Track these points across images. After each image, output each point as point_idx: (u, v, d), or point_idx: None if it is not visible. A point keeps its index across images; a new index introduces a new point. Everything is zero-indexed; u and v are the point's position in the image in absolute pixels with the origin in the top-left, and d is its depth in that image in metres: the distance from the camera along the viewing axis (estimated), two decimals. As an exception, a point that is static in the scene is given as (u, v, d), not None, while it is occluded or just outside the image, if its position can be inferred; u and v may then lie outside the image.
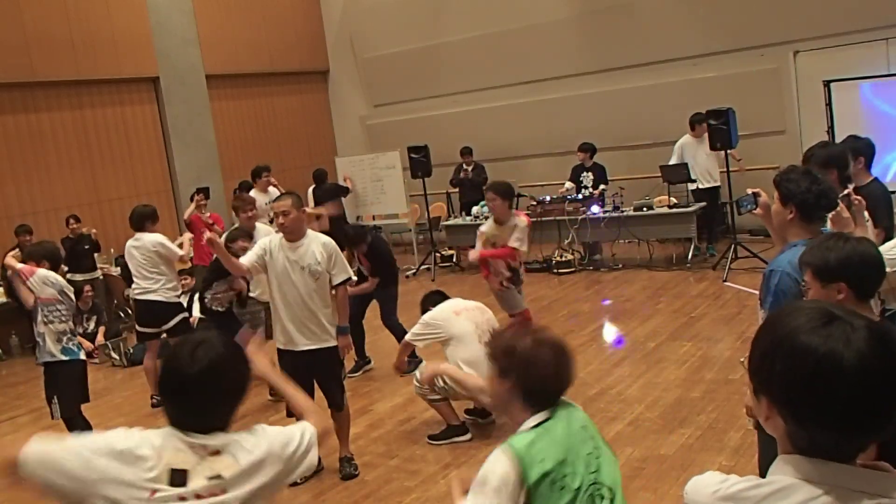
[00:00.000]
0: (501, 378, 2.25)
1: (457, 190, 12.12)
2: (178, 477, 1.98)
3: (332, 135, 15.08)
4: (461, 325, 5.36)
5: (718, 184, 9.90)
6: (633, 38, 11.56)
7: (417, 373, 5.55)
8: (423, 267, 11.37)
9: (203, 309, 6.66)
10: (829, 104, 9.83)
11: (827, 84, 9.85)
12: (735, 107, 9.33)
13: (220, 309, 6.48)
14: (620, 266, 10.27)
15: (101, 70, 11.23)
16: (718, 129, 9.19)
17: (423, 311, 5.69)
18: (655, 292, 8.79)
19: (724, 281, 8.74)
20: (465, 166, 11.85)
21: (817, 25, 10.29)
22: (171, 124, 12.03)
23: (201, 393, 2.01)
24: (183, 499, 1.97)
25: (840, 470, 1.24)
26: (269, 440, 2.13)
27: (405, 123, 13.44)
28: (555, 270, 10.25)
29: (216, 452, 2.02)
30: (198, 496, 1.98)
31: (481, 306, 5.68)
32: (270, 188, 10.59)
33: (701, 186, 9.89)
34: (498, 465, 2.11)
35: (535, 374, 2.21)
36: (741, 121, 9.38)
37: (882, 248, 3.37)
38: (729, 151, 9.28)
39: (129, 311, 10.26)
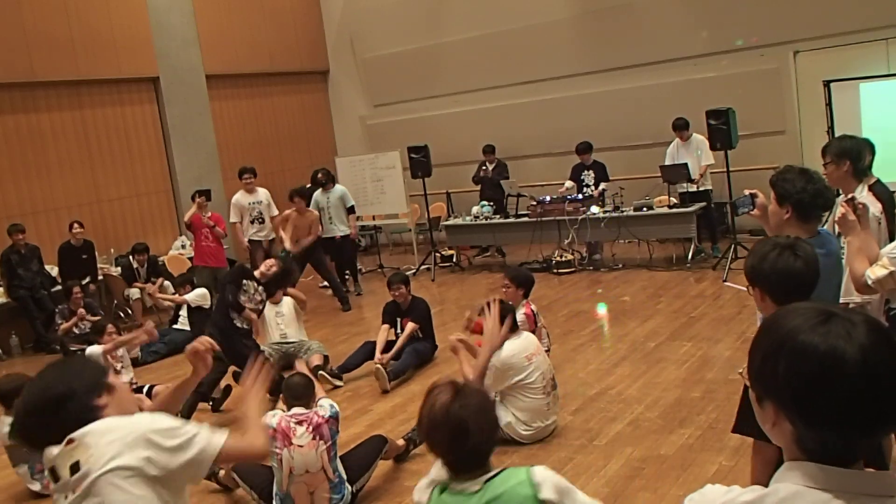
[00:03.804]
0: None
1: (478, 188, 12.01)
2: (52, 474, 2.00)
3: (332, 135, 15.08)
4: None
5: (710, 187, 9.94)
6: (633, 38, 11.56)
7: None
8: (423, 267, 11.37)
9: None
10: (829, 104, 9.83)
11: (827, 84, 9.85)
12: (735, 107, 9.34)
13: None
14: (620, 266, 10.26)
15: (101, 70, 11.23)
16: (718, 129, 9.20)
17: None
18: (655, 292, 8.79)
19: (724, 281, 8.75)
20: (486, 164, 11.85)
21: (817, 25, 10.29)
22: (171, 124, 12.03)
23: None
24: (65, 495, 1.98)
25: (846, 474, 1.24)
26: (136, 424, 2.04)
27: (405, 123, 13.43)
28: (555, 270, 10.24)
29: (70, 441, 1.98)
30: (73, 489, 1.97)
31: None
32: (259, 189, 10.59)
33: (692, 189, 9.90)
34: None
35: (438, 451, 2.21)
36: (741, 121, 9.39)
37: (884, 250, 3.38)
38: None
39: (129, 312, 10.28)
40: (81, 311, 8.90)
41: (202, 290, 9.00)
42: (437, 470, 2.24)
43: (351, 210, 10.58)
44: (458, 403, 2.12)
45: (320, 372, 6.81)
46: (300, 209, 9.90)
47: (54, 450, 1.99)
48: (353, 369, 7.02)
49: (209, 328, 6.43)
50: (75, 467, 1.95)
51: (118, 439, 1.97)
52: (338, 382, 6.88)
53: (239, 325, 6.44)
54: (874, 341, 1.20)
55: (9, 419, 5.15)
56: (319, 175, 10.76)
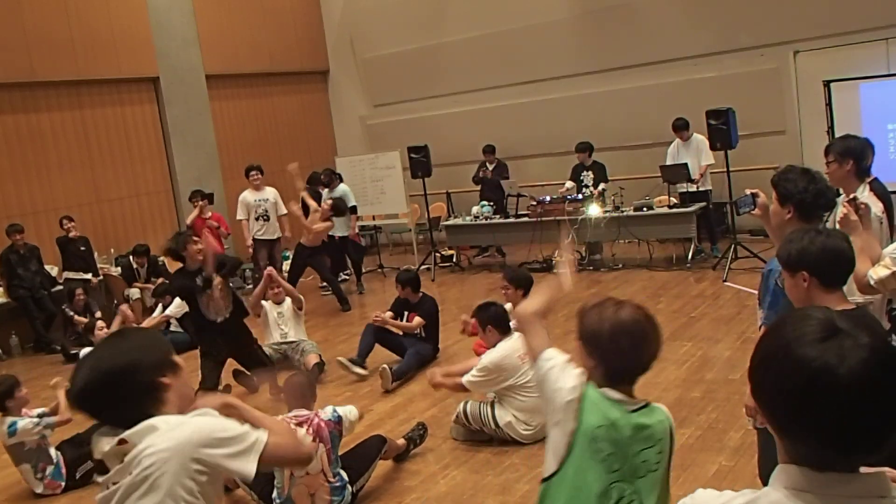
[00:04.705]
0: (586, 356, 2.26)
1: (478, 188, 11.98)
2: (100, 466, 1.91)
3: (332, 135, 15.07)
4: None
5: (710, 187, 9.94)
6: (633, 38, 11.56)
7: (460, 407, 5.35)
8: (423, 267, 11.37)
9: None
10: (829, 104, 9.82)
11: (827, 84, 9.85)
12: (735, 107, 9.33)
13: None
14: (620, 266, 10.26)
15: (101, 70, 11.22)
16: (718, 129, 9.20)
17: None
18: (655, 292, 8.79)
19: (724, 281, 8.74)
20: (487, 164, 11.85)
21: (817, 25, 10.29)
22: (171, 124, 12.03)
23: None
24: (106, 486, 1.88)
25: (834, 479, 1.21)
26: (191, 428, 1.86)
27: (405, 123, 13.43)
28: (555, 271, 10.21)
29: (123, 442, 1.84)
30: (114, 483, 1.86)
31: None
32: (267, 187, 10.61)
33: (692, 189, 9.88)
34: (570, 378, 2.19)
35: (614, 357, 2.21)
36: (741, 121, 9.39)
37: (886, 250, 3.38)
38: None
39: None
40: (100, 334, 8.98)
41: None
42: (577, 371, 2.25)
43: (352, 210, 10.57)
44: (642, 313, 2.23)
45: (344, 362, 6.90)
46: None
47: (105, 445, 1.87)
48: (368, 352, 7.07)
49: (192, 334, 6.43)
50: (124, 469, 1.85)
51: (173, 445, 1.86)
52: (361, 371, 6.92)
53: (214, 319, 6.32)
54: (869, 367, 1.15)
55: (9, 419, 5.21)
56: (322, 175, 10.78)
